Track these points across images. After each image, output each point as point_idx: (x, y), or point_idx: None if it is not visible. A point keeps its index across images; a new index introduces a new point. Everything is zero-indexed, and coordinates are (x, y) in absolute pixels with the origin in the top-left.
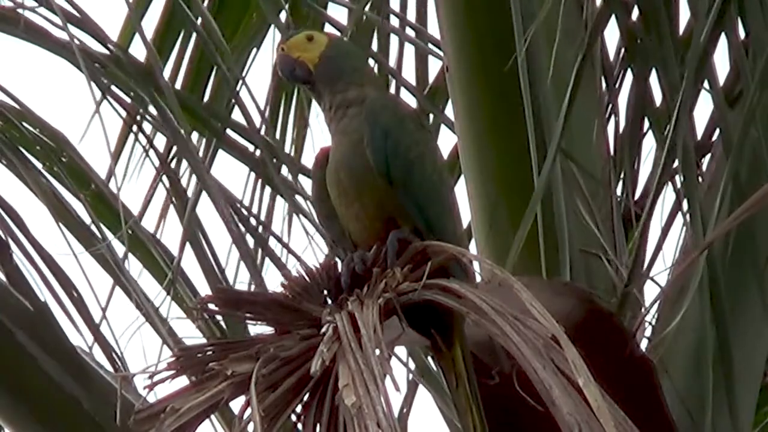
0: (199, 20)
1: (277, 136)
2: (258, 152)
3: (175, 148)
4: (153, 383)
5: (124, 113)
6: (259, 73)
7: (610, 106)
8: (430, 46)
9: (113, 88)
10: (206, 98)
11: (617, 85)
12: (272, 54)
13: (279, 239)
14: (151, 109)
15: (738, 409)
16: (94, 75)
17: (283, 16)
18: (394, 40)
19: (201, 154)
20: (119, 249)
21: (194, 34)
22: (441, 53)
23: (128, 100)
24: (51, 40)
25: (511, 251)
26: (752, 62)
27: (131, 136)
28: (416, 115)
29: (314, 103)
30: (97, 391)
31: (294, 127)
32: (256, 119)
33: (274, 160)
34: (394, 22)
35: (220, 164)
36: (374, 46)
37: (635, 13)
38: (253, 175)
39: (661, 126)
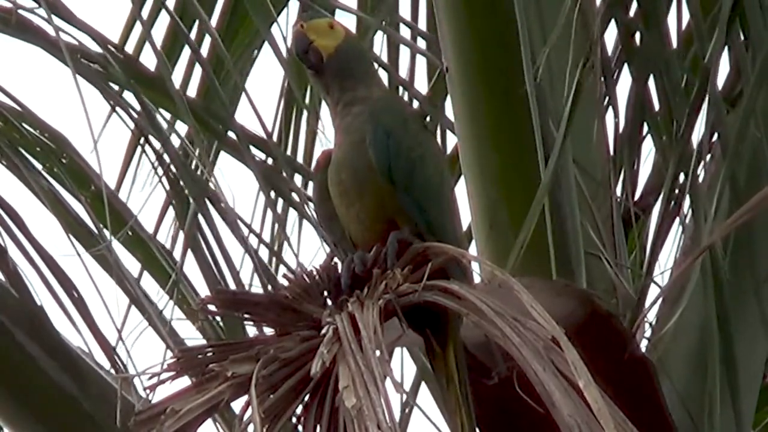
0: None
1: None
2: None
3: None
4: (153, 384)
5: (121, 114)
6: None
7: (610, 106)
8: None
9: (112, 87)
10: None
11: (617, 85)
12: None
13: (270, 248)
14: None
15: (739, 410)
16: (87, 73)
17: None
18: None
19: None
20: (120, 250)
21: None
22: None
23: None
24: (49, 41)
25: (512, 253)
26: (752, 62)
27: (131, 137)
28: (419, 117)
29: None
30: (96, 392)
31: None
32: (254, 117)
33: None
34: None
35: (225, 166)
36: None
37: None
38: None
39: (660, 127)
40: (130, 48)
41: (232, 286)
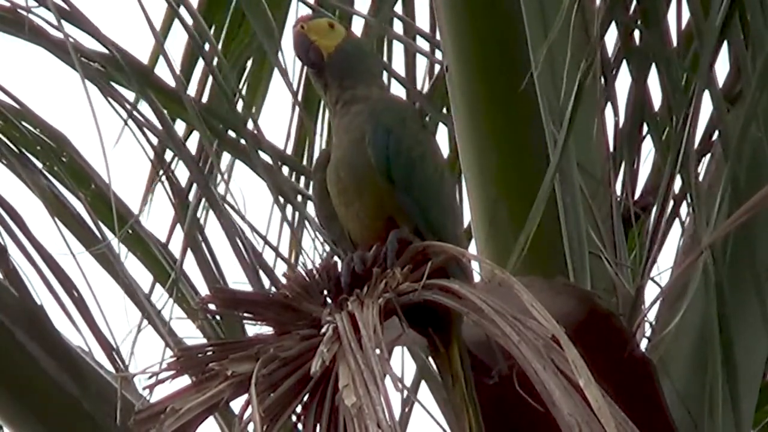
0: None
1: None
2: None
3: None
4: (153, 383)
5: (121, 114)
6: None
7: (609, 103)
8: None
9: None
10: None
11: (616, 82)
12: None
13: (273, 248)
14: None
15: (739, 409)
16: (88, 72)
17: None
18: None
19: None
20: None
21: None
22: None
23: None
24: (50, 40)
25: (513, 253)
26: (752, 61)
27: (131, 139)
28: (418, 115)
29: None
30: (96, 392)
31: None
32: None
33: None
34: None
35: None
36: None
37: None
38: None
39: (660, 126)
40: (134, 50)
41: (234, 286)
